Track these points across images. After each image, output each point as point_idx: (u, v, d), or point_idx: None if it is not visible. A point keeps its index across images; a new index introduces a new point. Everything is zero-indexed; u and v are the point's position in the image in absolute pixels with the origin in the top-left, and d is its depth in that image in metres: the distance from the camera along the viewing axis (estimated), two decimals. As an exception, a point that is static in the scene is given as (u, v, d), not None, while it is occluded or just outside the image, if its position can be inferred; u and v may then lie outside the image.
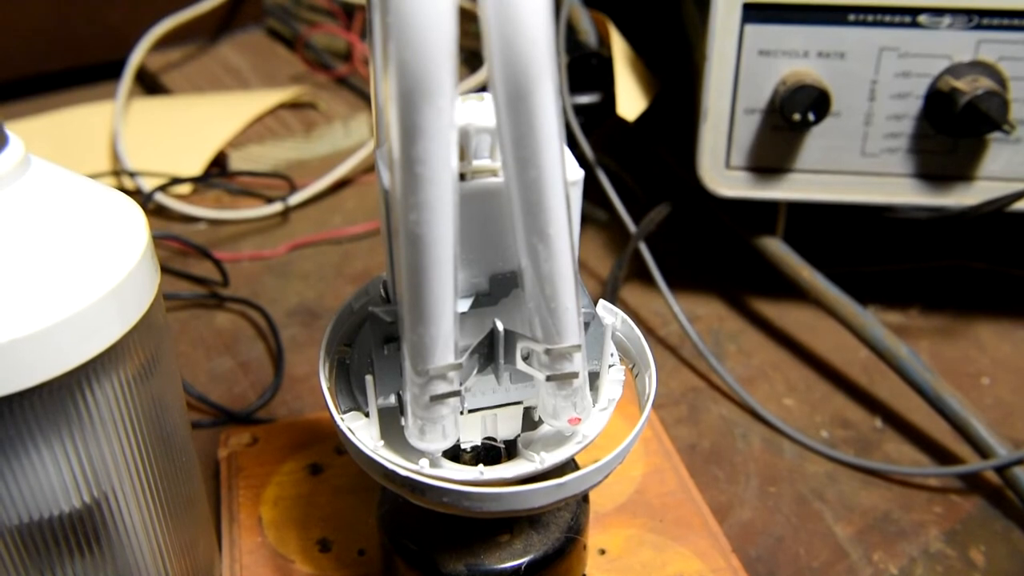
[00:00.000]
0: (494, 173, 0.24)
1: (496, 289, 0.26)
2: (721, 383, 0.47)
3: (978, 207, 0.44)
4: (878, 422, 0.45)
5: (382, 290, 0.28)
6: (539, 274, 0.23)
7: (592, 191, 0.51)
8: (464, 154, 0.24)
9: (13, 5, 0.69)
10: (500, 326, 0.25)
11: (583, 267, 0.56)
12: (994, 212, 0.44)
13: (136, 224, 0.27)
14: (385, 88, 0.21)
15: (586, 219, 0.58)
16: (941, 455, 0.44)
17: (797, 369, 0.49)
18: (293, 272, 0.56)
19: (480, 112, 0.24)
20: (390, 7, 0.19)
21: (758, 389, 0.47)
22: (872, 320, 0.45)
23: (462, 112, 0.24)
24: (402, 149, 0.20)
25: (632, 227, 0.50)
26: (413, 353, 0.24)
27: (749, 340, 0.51)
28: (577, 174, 0.24)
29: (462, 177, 0.24)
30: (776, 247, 0.49)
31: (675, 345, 0.50)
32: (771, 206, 0.50)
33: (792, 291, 0.49)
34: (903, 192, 0.46)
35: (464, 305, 0.25)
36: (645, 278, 0.51)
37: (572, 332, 0.25)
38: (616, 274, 0.50)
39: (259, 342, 0.50)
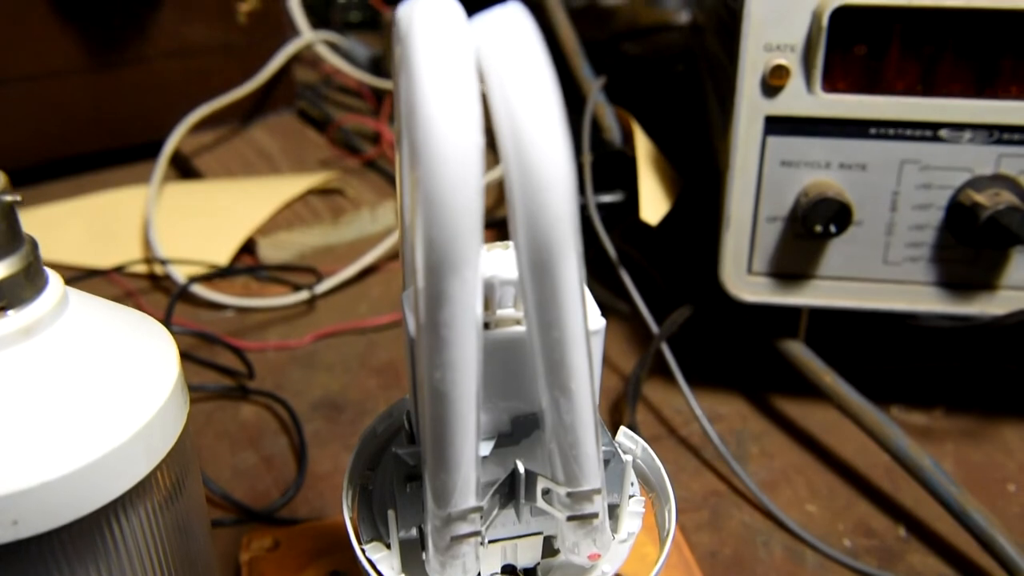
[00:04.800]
0: (518, 322, 0.24)
1: (518, 431, 0.26)
2: (743, 487, 0.47)
3: (1004, 318, 0.44)
4: (902, 531, 0.45)
5: (406, 422, 0.28)
6: (561, 424, 0.24)
7: (614, 286, 0.52)
8: (488, 304, 0.24)
9: (51, 88, 0.72)
10: (522, 468, 0.26)
11: (605, 363, 0.56)
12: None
13: (167, 357, 0.27)
14: (412, 230, 0.21)
15: (608, 311, 0.58)
16: (967, 568, 0.43)
17: (820, 473, 0.48)
18: (318, 363, 0.56)
19: (505, 263, 0.24)
20: (420, 181, 0.19)
21: (780, 494, 0.47)
22: (896, 431, 0.45)
23: (487, 263, 0.24)
24: (428, 313, 0.21)
25: (654, 327, 0.51)
26: (435, 496, 0.24)
27: (772, 441, 0.50)
28: (598, 323, 0.25)
29: (486, 326, 0.24)
30: (798, 351, 0.49)
31: (697, 445, 0.50)
32: (794, 308, 0.50)
33: (815, 391, 0.49)
34: (925, 300, 0.46)
35: (486, 447, 0.26)
36: (667, 374, 0.51)
37: (593, 476, 0.25)
38: (638, 374, 0.51)
39: (283, 436, 0.50)
